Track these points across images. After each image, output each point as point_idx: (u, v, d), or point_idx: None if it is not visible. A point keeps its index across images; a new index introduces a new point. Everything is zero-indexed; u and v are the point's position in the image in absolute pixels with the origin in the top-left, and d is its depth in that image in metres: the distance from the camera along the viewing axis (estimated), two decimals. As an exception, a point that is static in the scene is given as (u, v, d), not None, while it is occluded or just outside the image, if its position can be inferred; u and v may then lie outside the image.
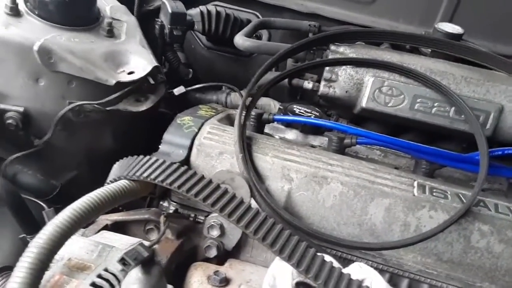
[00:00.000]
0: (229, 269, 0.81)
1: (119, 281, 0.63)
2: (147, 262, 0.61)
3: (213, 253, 0.83)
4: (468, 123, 0.95)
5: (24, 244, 0.87)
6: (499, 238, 0.79)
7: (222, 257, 0.84)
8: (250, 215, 0.69)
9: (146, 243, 0.65)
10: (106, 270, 0.65)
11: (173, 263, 0.78)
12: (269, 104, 1.22)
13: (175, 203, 0.89)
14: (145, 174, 0.71)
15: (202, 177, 0.71)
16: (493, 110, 0.97)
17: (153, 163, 0.73)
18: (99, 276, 0.63)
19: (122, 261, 0.58)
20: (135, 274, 0.60)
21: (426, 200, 0.81)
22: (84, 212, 0.64)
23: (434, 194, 0.83)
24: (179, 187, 0.68)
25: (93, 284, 0.61)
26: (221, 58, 1.54)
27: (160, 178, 0.70)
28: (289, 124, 1.04)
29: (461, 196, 0.83)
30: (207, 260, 0.83)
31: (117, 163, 0.81)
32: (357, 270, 0.71)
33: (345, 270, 0.68)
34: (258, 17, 1.47)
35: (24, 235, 0.88)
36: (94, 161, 1.11)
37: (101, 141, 1.09)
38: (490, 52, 1.08)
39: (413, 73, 0.99)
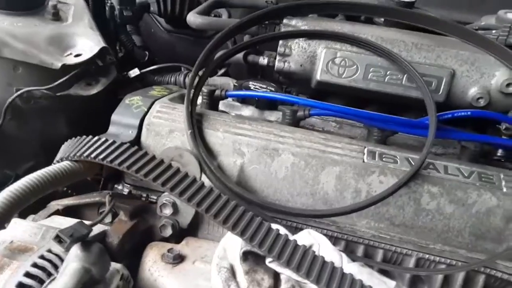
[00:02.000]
0: (185, 246, 0.81)
1: (63, 262, 0.63)
2: (85, 240, 0.60)
3: (168, 232, 0.82)
4: (419, 89, 0.95)
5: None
6: (449, 199, 0.80)
7: (179, 235, 0.83)
8: (202, 193, 0.68)
9: (87, 223, 0.64)
10: (49, 251, 0.64)
11: (127, 243, 0.77)
12: (228, 83, 1.20)
13: (129, 185, 0.88)
14: (85, 154, 0.69)
15: (145, 153, 0.70)
16: (445, 75, 0.97)
17: (94, 142, 0.71)
18: (42, 257, 0.62)
19: (57, 238, 0.57)
20: (74, 251, 0.59)
21: (376, 166, 0.82)
22: (22, 194, 0.63)
23: (384, 159, 0.83)
24: (120, 164, 0.67)
25: (34, 264, 0.60)
26: (181, 41, 1.51)
27: (101, 157, 0.68)
28: (244, 101, 1.03)
29: (410, 160, 0.83)
30: (165, 240, 0.83)
31: (63, 145, 0.80)
32: (306, 236, 0.72)
33: (293, 237, 0.68)
34: (217, -3, 1.45)
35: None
36: (51, 149, 1.08)
37: (56, 128, 1.07)
38: (441, 18, 1.08)
39: (363, 42, 0.98)
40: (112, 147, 0.70)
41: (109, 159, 0.68)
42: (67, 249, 0.60)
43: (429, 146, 0.81)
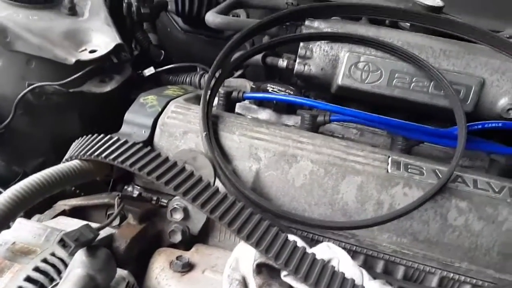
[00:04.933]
0: (195, 254, 0.77)
1: (67, 267, 0.59)
2: (91, 245, 0.56)
3: (177, 238, 0.78)
4: (447, 98, 0.91)
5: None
6: (478, 215, 0.75)
7: (189, 242, 0.80)
8: (217, 199, 0.64)
9: (94, 225, 0.60)
10: (53, 254, 0.60)
11: (134, 248, 0.74)
12: (245, 86, 1.17)
13: (139, 187, 0.85)
14: (96, 153, 0.66)
15: (158, 155, 0.66)
16: (474, 84, 0.92)
17: (106, 142, 0.68)
18: (44, 261, 0.59)
19: (62, 242, 0.53)
20: (79, 257, 0.56)
21: (400, 177, 0.77)
22: (28, 193, 0.60)
23: (409, 170, 0.78)
24: (131, 165, 0.63)
25: (36, 268, 0.57)
26: (198, 41, 1.48)
27: (112, 157, 0.65)
28: (261, 103, 0.99)
29: (437, 172, 0.78)
30: (174, 246, 0.79)
31: (74, 142, 0.77)
32: (325, 250, 0.67)
33: (311, 250, 0.64)
34: (236, -3, 1.42)
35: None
36: (61, 147, 1.06)
37: (67, 125, 1.04)
38: (471, 25, 1.03)
39: (389, 47, 0.94)
40: (124, 147, 0.66)
41: (120, 159, 0.64)
42: (72, 254, 0.56)
43: (459, 158, 0.76)
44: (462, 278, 0.75)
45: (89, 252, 0.56)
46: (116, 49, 0.98)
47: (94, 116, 1.05)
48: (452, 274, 0.75)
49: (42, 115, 0.99)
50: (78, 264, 0.54)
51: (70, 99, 0.97)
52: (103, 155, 0.66)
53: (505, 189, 0.77)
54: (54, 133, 1.03)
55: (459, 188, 0.76)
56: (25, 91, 0.93)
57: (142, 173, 0.63)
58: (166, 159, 0.66)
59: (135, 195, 0.84)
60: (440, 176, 0.77)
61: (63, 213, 0.78)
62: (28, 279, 0.55)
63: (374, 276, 0.69)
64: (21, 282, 0.55)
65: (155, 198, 0.81)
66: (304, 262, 0.60)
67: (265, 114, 1.00)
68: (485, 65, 0.93)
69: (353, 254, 0.78)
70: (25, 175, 1.01)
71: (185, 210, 0.77)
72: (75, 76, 0.94)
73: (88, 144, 0.69)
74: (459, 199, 0.75)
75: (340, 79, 0.96)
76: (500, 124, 0.87)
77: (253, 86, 1.03)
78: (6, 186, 0.97)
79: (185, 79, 1.19)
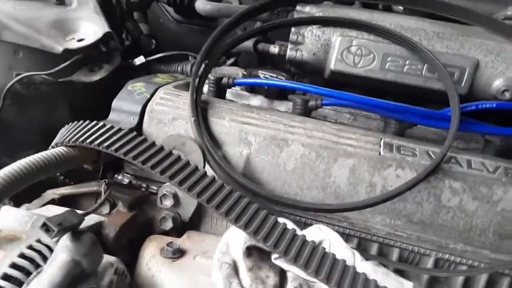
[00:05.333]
0: (186, 240, 0.76)
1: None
2: (76, 230, 0.55)
3: (168, 225, 0.77)
4: (441, 80, 0.89)
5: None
6: (472, 196, 0.74)
7: (181, 229, 0.79)
8: (204, 183, 0.63)
9: (80, 212, 0.59)
10: (38, 241, 0.59)
11: (124, 236, 0.73)
12: (237, 73, 1.15)
13: (129, 175, 0.84)
14: (80, 139, 0.65)
15: (144, 140, 0.65)
16: (468, 66, 0.91)
17: (91, 128, 0.67)
18: (30, 247, 0.58)
19: (44, 226, 0.52)
20: (64, 242, 0.55)
21: (393, 159, 0.76)
22: (11, 179, 0.59)
23: (402, 152, 0.77)
24: (116, 150, 0.62)
25: (21, 255, 0.56)
26: (191, 32, 1.46)
27: (97, 142, 0.64)
28: (253, 90, 0.98)
29: (430, 153, 0.77)
30: (166, 233, 0.78)
31: (61, 129, 0.76)
32: (316, 232, 0.66)
33: (301, 232, 0.63)
34: (228, -15, 1.40)
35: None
36: (52, 137, 1.05)
37: (57, 115, 1.03)
38: (464, 7, 1.01)
39: (381, 30, 0.92)
40: (109, 133, 0.65)
41: (105, 144, 0.63)
42: (56, 238, 0.55)
43: (452, 139, 0.75)
44: (458, 259, 0.75)
45: (73, 237, 0.55)
46: (105, 38, 0.96)
47: (84, 106, 1.03)
48: (447, 256, 0.75)
49: (31, 105, 0.98)
50: (63, 249, 0.53)
51: (59, 89, 0.96)
52: (88, 140, 0.65)
53: (500, 169, 0.76)
54: (44, 123, 1.02)
55: (452, 169, 0.75)
56: (13, 81, 0.92)
57: (128, 157, 0.62)
58: (153, 144, 0.65)
59: (125, 183, 0.83)
60: (434, 157, 0.76)
61: (52, 201, 0.77)
62: (14, 265, 0.54)
63: (368, 258, 0.68)
64: (6, 269, 0.53)
65: (144, 185, 0.80)
66: (294, 243, 0.59)
67: (256, 100, 0.98)
68: (479, 46, 0.92)
69: (347, 237, 0.77)
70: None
71: (175, 197, 0.76)
72: (63, 65, 0.93)
73: (75, 130, 0.68)
74: (453, 180, 0.74)
75: (332, 64, 0.95)
76: (494, 105, 0.86)
77: (244, 72, 1.02)
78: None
79: (176, 68, 1.18)
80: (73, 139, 0.66)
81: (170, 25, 1.46)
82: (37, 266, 0.56)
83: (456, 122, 0.77)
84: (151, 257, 0.70)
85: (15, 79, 0.92)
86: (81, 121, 0.71)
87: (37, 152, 1.05)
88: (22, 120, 0.98)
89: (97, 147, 0.64)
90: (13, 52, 0.93)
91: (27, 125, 1.00)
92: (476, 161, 0.77)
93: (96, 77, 0.97)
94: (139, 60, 1.09)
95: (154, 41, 1.22)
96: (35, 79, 0.94)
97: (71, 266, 0.52)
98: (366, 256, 0.69)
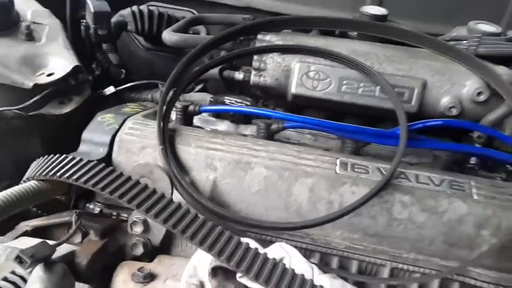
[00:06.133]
0: (157, 265, 0.79)
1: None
2: (48, 261, 0.59)
3: (139, 250, 0.81)
4: (391, 100, 0.96)
5: None
6: (420, 208, 0.80)
7: (152, 254, 0.82)
8: (170, 209, 0.68)
9: (52, 243, 0.63)
10: (13, 272, 0.62)
11: (96, 264, 0.76)
12: (205, 99, 1.21)
13: (99, 204, 0.87)
14: (51, 173, 0.69)
15: (112, 171, 0.69)
16: (417, 86, 0.98)
17: (61, 161, 0.71)
18: (4, 279, 0.61)
19: (18, 259, 0.56)
20: (37, 273, 0.58)
21: (348, 176, 0.82)
22: (-16, 215, 0.62)
23: (356, 170, 0.83)
24: (85, 182, 0.66)
25: (-4, 287, 0.59)
26: (160, 59, 1.52)
27: (66, 175, 0.68)
28: (219, 115, 1.03)
29: (382, 170, 0.84)
30: (137, 258, 0.82)
31: (32, 164, 0.79)
32: (277, 249, 0.71)
33: (263, 250, 0.68)
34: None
35: None
36: (25, 169, 1.07)
37: (30, 148, 1.05)
38: (412, 30, 1.10)
39: (336, 56, 0.99)
40: (78, 165, 0.69)
41: (74, 177, 0.67)
42: (30, 269, 0.59)
43: (400, 156, 0.82)
44: (411, 267, 0.80)
45: (46, 267, 0.58)
46: (74, 71, 1.00)
47: (56, 137, 1.06)
48: (401, 265, 0.80)
49: (3, 139, 1.00)
50: (35, 279, 0.57)
51: (30, 122, 0.99)
52: (58, 174, 0.68)
53: (445, 181, 0.83)
54: (17, 155, 1.04)
55: (402, 184, 0.82)
56: (-16, 117, 0.94)
57: (96, 189, 0.66)
58: (120, 174, 0.69)
59: (96, 212, 0.86)
60: (384, 173, 0.82)
61: (26, 233, 0.80)
62: (-12, 297, 0.57)
63: (328, 271, 0.73)
64: (-19, 301, 0.57)
65: (115, 213, 0.84)
66: (256, 262, 0.64)
67: (223, 125, 1.04)
68: (426, 67, 1.00)
69: (309, 253, 0.82)
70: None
71: (145, 223, 0.80)
72: (33, 99, 0.96)
73: (45, 164, 0.72)
74: (402, 194, 0.81)
75: (293, 88, 1.02)
76: (440, 122, 0.93)
77: (211, 99, 1.08)
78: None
79: (146, 96, 1.22)
80: (44, 173, 0.70)
81: (140, 53, 1.51)
82: (11, 297, 0.59)
83: (404, 140, 0.84)
84: (123, 283, 0.74)
85: (-14, 115, 0.94)
86: (51, 155, 0.74)
87: (10, 184, 1.08)
88: (-4, 154, 1.01)
89: (67, 180, 0.68)
90: (-16, 88, 0.96)
91: (1, 158, 1.02)
92: (423, 175, 0.84)
93: (66, 109, 1.00)
94: (109, 90, 1.13)
95: (123, 71, 1.27)
96: (6, 114, 0.96)
97: (44, 296, 0.56)
98: (326, 270, 0.74)
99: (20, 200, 0.67)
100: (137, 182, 0.68)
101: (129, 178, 0.69)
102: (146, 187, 0.69)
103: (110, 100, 1.19)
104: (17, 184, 1.07)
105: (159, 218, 0.65)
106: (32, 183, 0.70)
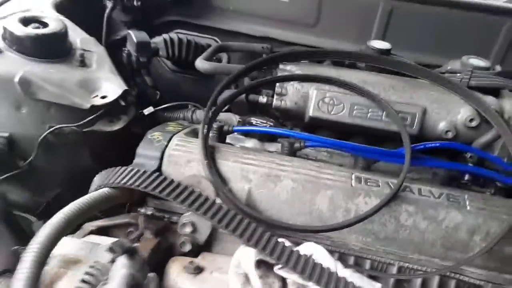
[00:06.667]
0: (202, 260, 0.93)
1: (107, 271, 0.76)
2: (130, 251, 0.73)
3: (187, 247, 0.95)
4: (395, 124, 1.13)
5: (16, 255, 0.97)
6: (423, 216, 0.96)
7: (196, 251, 0.96)
8: (221, 213, 0.84)
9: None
10: (96, 262, 0.77)
11: (153, 258, 0.90)
12: (231, 119, 1.36)
13: (150, 208, 1.02)
14: (124, 181, 0.84)
15: (172, 181, 0.84)
16: (418, 112, 1.14)
17: (130, 172, 0.86)
18: (92, 267, 0.75)
19: (111, 249, 0.70)
20: (121, 261, 0.73)
21: (361, 189, 0.98)
22: (74, 214, 0.77)
23: (368, 183, 0.99)
24: (153, 189, 0.81)
25: (87, 273, 0.73)
26: (186, 80, 1.68)
27: (137, 183, 0.83)
28: (247, 134, 1.19)
29: (390, 184, 0.99)
30: (184, 255, 0.96)
31: (97, 175, 0.94)
32: (307, 247, 0.86)
33: (296, 248, 0.83)
34: (217, 42, 1.64)
35: (17, 247, 0.98)
36: (75, 178, 1.21)
37: (80, 160, 1.21)
38: (412, 63, 1.27)
39: (348, 85, 1.16)
40: (144, 176, 0.85)
41: (143, 185, 0.83)
42: (111, 260, 0.73)
43: (405, 172, 0.98)
44: (415, 266, 0.95)
45: (129, 256, 0.73)
46: (124, 94, 1.16)
47: (103, 151, 1.21)
48: (407, 264, 0.95)
49: (59, 152, 1.15)
50: (122, 266, 0.71)
51: (83, 137, 1.14)
52: (129, 183, 0.84)
53: (443, 195, 0.99)
54: (69, 166, 1.19)
55: (407, 196, 0.97)
56: (46, 132, 1.09)
57: (162, 195, 0.81)
58: (178, 184, 0.85)
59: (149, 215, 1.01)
60: (392, 187, 0.98)
61: (91, 232, 0.94)
62: (82, 281, 0.71)
63: (346, 267, 0.88)
64: (78, 284, 0.71)
65: (167, 216, 0.98)
66: (292, 256, 0.79)
67: (251, 142, 1.19)
68: (426, 96, 1.16)
69: (329, 252, 0.97)
70: (48, 204, 1.17)
71: (193, 224, 0.94)
72: (89, 118, 1.12)
73: (115, 175, 0.87)
74: (408, 204, 0.96)
75: (311, 111, 1.17)
76: (438, 144, 1.09)
77: (239, 120, 1.23)
78: (30, 213, 1.14)
79: (178, 115, 1.37)
80: (116, 181, 0.85)
81: (167, 75, 1.68)
82: (98, 281, 0.74)
83: (408, 158, 1.00)
84: (177, 274, 0.87)
85: (48, 131, 1.09)
86: (119, 167, 0.89)
87: (62, 191, 1.22)
88: (52, 165, 1.15)
89: (137, 188, 0.83)
90: (46, 108, 1.10)
91: (56, 169, 1.17)
92: (425, 189, 1.00)
93: (115, 127, 1.15)
94: (148, 110, 1.28)
95: (158, 92, 1.42)
96: (64, 130, 1.11)
97: (130, 279, 0.70)
98: (344, 265, 0.89)
99: (98, 203, 0.82)
100: (194, 191, 0.84)
101: (187, 188, 0.84)
102: (201, 194, 0.84)
103: (145, 119, 1.34)
104: (67, 191, 1.23)
105: (214, 219, 0.80)
106: (106, 189, 0.85)
